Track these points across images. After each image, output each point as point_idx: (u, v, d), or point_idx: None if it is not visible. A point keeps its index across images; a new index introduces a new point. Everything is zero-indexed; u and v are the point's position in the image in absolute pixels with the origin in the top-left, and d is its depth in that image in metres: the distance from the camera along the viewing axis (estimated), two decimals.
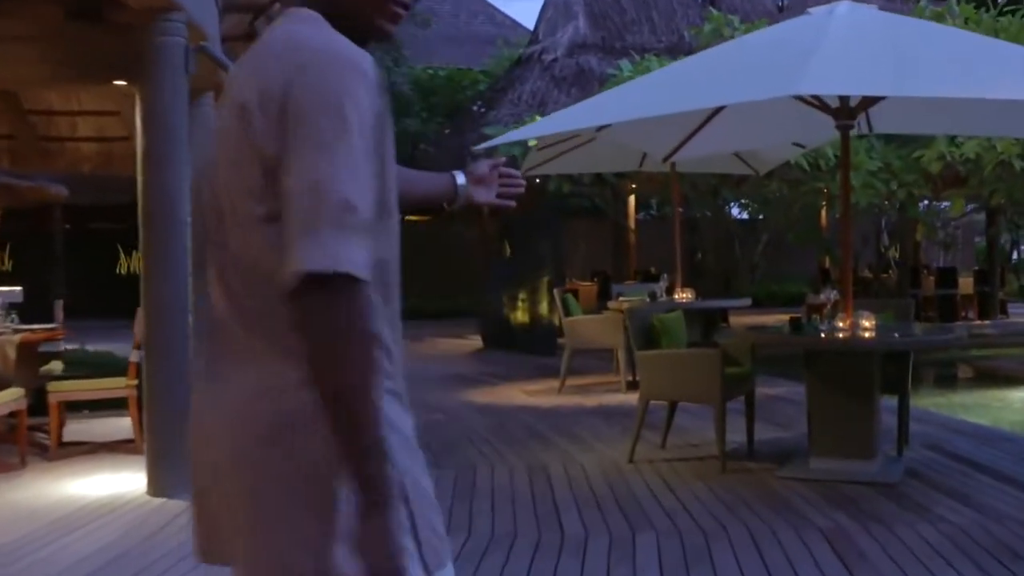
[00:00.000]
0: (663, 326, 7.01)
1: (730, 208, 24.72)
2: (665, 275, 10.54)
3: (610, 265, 21.03)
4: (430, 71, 23.67)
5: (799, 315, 6.55)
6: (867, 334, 6.15)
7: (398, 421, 1.74)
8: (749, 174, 12.11)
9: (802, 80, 5.20)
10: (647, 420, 7.44)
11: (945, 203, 20.36)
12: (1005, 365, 13.06)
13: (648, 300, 10.46)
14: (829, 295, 6.64)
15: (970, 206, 20.22)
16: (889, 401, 6.98)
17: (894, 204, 14.97)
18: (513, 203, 2.35)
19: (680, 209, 11.44)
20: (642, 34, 17.85)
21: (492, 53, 24.81)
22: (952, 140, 11.18)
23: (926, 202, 18.40)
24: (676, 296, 10.45)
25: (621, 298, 10.47)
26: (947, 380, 13.38)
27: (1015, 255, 21.08)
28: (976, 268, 20.25)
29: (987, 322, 18.78)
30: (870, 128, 7.99)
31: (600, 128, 7.42)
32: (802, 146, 10.69)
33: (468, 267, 19.83)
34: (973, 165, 11.37)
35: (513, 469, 6.93)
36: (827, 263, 20.84)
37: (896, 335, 6.40)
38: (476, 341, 16.30)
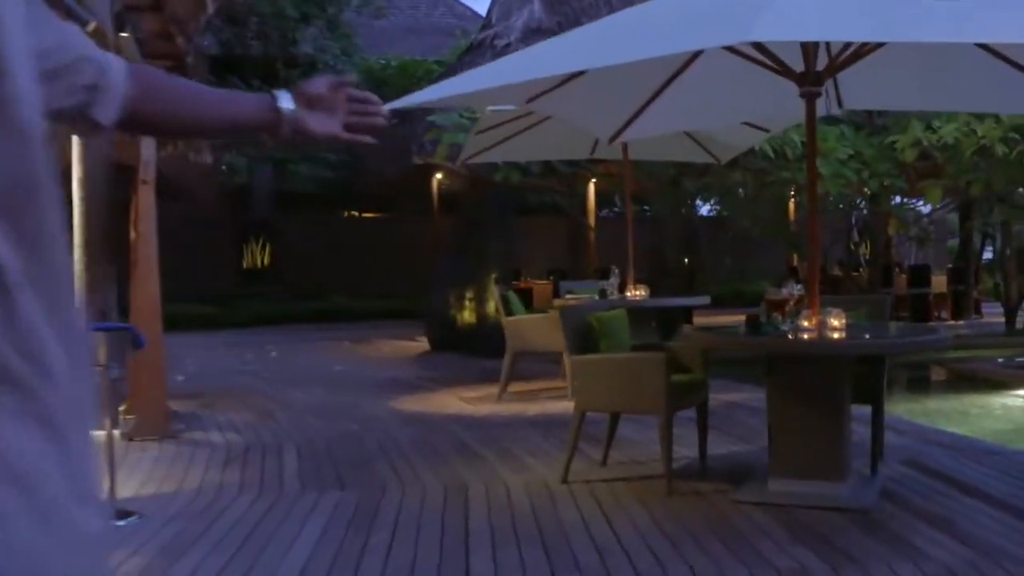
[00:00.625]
0: (602, 327, 6.07)
1: (696, 206, 23.96)
2: (616, 271, 9.61)
3: (569, 263, 20.13)
4: (383, 61, 22.72)
5: (757, 313, 5.61)
6: (836, 335, 5.23)
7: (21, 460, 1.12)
8: (711, 163, 11.25)
9: (756, 25, 4.26)
10: (590, 432, 6.54)
11: (918, 199, 19.59)
12: (982, 367, 12.22)
13: (597, 298, 9.55)
14: (792, 289, 5.72)
15: (945, 201, 19.48)
16: (861, 409, 6.09)
17: (866, 196, 14.13)
18: (368, 138, 1.82)
19: (644, 206, 10.56)
20: (600, 19, 16.89)
21: (452, 45, 23.94)
22: (928, 125, 10.32)
23: (899, 199, 17.64)
24: (628, 294, 9.55)
25: (569, 296, 9.52)
26: (920, 384, 12.54)
27: (986, 254, 20.23)
28: (950, 266, 19.46)
29: (961, 322, 18.02)
30: (840, 103, 7.09)
31: (532, 99, 6.46)
32: (766, 130, 9.82)
33: (423, 265, 18.88)
34: (951, 152, 10.51)
35: (427, 491, 5.96)
36: (795, 260, 20.03)
37: (868, 336, 5.48)
38: (424, 343, 15.33)
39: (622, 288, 9.64)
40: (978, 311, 19.05)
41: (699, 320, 18.04)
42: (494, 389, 9.75)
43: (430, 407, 9.31)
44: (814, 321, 5.36)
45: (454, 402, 9.60)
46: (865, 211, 15.03)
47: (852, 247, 17.86)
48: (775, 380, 5.59)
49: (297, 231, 23.50)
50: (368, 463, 6.83)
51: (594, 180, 17.47)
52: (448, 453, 7.09)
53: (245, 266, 23.75)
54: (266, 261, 23.67)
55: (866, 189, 11.85)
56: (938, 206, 14.76)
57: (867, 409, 6.14)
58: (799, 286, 5.85)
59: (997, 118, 9.71)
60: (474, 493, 5.87)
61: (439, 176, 16.72)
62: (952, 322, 18.05)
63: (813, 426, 5.48)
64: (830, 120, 12.20)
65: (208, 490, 6.19)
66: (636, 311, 9.37)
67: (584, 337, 6.04)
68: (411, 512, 5.49)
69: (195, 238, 23.45)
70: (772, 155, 11.24)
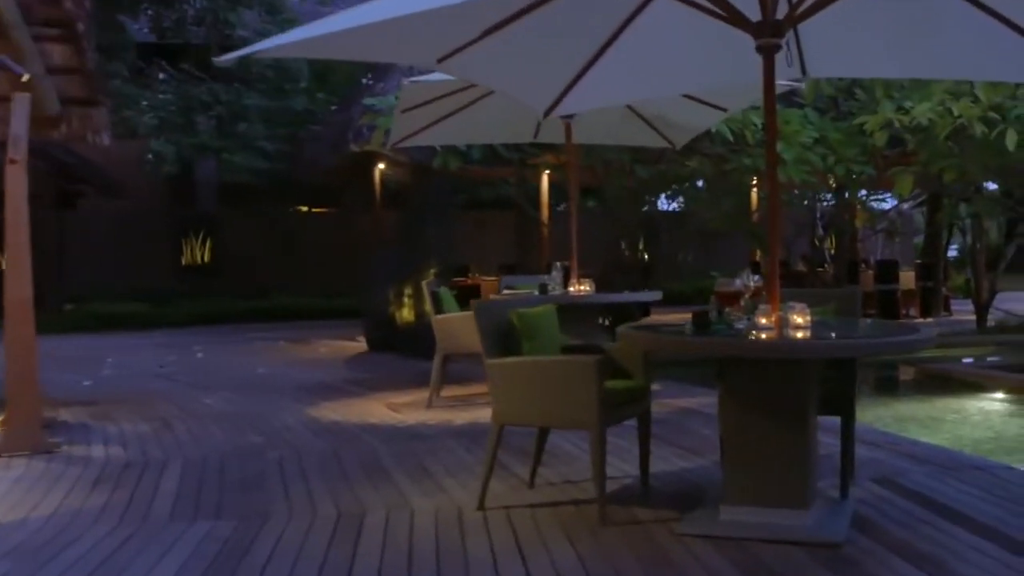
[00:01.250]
0: (526, 325, 5.15)
1: (655, 199, 23.12)
2: (559, 265, 8.68)
3: (523, 259, 19.23)
4: None
5: (708, 309, 4.70)
6: (800, 334, 4.34)
7: None
8: (665, 147, 10.36)
9: None
10: (521, 444, 5.66)
11: (885, 192, 18.82)
12: (956, 368, 11.40)
13: (536, 293, 8.63)
14: (747, 281, 4.81)
15: (915, 193, 18.69)
16: (828, 420, 5.22)
17: (831, 188, 13.31)
18: None
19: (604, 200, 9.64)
20: None
21: None
22: (900, 106, 9.45)
23: (865, 193, 16.83)
24: (572, 289, 8.64)
25: (508, 291, 8.59)
26: (888, 386, 11.73)
27: (950, 251, 19.47)
28: (918, 262, 18.70)
29: (930, 320, 17.26)
30: (803, 69, 6.18)
31: (444, 58, 5.50)
32: (723, 108, 8.95)
33: (368, 262, 17.90)
34: (924, 135, 9.65)
35: (315, 520, 5.02)
36: (758, 255, 19.21)
37: (837, 335, 4.58)
38: (364, 344, 14.35)
39: (566, 283, 8.72)
40: (947, 308, 18.31)
41: (657, 317, 17.21)
42: (427, 394, 8.81)
43: (350, 415, 8.36)
44: (774, 317, 4.47)
45: (378, 409, 8.65)
46: (830, 204, 14.16)
47: (816, 242, 17.03)
48: (728, 387, 4.69)
49: (240, 226, 22.41)
50: (259, 484, 5.88)
51: (548, 172, 16.58)
52: (355, 472, 6.14)
53: (184, 263, 22.61)
54: (206, 257, 22.53)
55: (832, 177, 10.96)
56: (908, 196, 13.91)
57: (835, 420, 5.28)
58: (756, 277, 4.94)
59: (975, 96, 8.87)
60: (371, 522, 4.93)
61: (382, 166, 15.73)
62: (921, 320, 17.28)
63: (773, 443, 4.58)
64: (793, 104, 11.37)
65: (60, 518, 5.21)
66: (582, 309, 8.47)
67: (504, 337, 5.11)
68: (290, 547, 4.55)
69: (131, 233, 22.33)
70: (731, 138, 10.36)
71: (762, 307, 4.51)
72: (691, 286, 22.16)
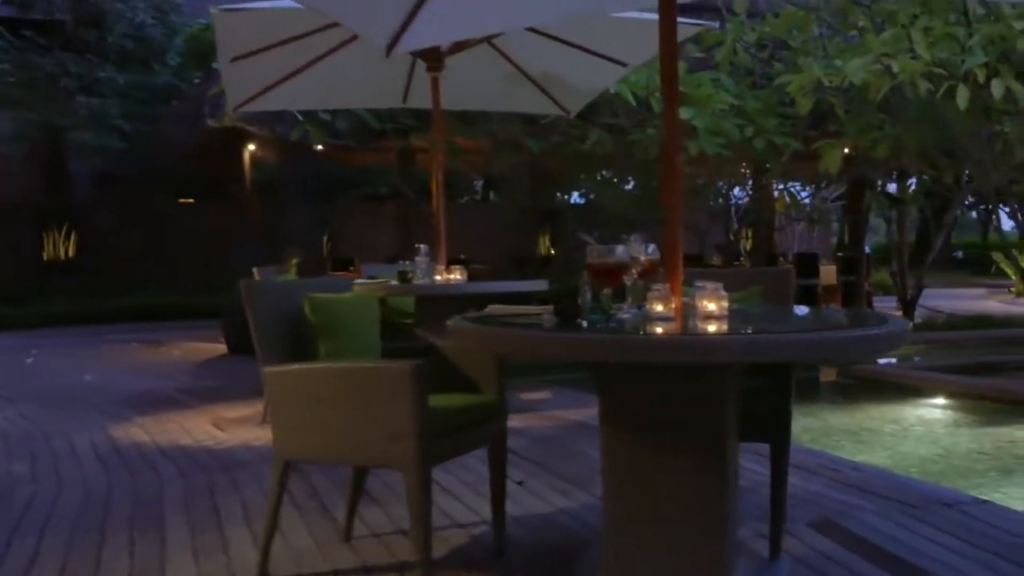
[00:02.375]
0: (324, 318, 3.59)
1: (564, 194, 21.75)
2: (424, 248, 7.13)
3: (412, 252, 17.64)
4: (203, 24, 19.89)
5: (576, 289, 3.21)
6: (714, 327, 2.84)
7: None
8: (559, 115, 8.93)
9: None
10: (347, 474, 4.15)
11: (802, 184, 17.63)
12: (888, 370, 10.10)
13: (395, 283, 7.08)
14: (636, 250, 3.30)
15: (836, 186, 17.52)
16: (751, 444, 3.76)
17: (744, 173, 11.97)
18: None
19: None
20: None
21: None
22: (831, 62, 8.05)
23: (782, 186, 15.61)
24: (438, 277, 7.11)
25: (359, 282, 6.99)
26: (811, 390, 10.42)
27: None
28: (839, 255, 17.49)
29: None
30: None
31: None
32: (622, 63, 7.53)
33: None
34: (857, 98, 8.29)
35: None
36: None
37: (749, 330, 3.10)
38: (224, 345, 12.64)
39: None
40: (870, 305, 17.14)
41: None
42: (263, 406, 7.20)
43: (161, 434, 6.70)
44: (674, 304, 2.99)
45: (201, 426, 7.00)
46: (746, 195, 12.84)
47: (731, 235, 15.75)
48: (609, 406, 3.18)
49: (108, 218, 20.40)
50: None
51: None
52: (116, 519, 4.51)
53: (46, 258, 20.51)
54: (71, 252, 20.46)
55: (745, 166, 9.56)
56: (829, 182, 12.62)
57: (756, 446, 3.82)
58: (652, 247, 3.45)
59: (913, 52, 7.52)
60: None
61: (252, 147, 14.04)
62: None
63: (674, 486, 3.08)
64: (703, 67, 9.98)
65: None
66: (450, 302, 6.92)
67: (292, 335, 3.55)
68: None
69: None
70: (633, 102, 8.90)
71: (657, 288, 3.02)
72: None
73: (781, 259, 16.61)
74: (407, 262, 7.26)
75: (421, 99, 8.37)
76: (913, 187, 12.98)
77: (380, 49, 5.25)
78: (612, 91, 8.78)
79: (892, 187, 16.07)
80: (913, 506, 4.41)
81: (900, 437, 7.38)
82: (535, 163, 13.20)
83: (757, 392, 3.50)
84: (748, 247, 15.27)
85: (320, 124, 10.28)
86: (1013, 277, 23.22)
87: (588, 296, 3.19)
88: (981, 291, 24.29)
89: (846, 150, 9.70)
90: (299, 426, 3.38)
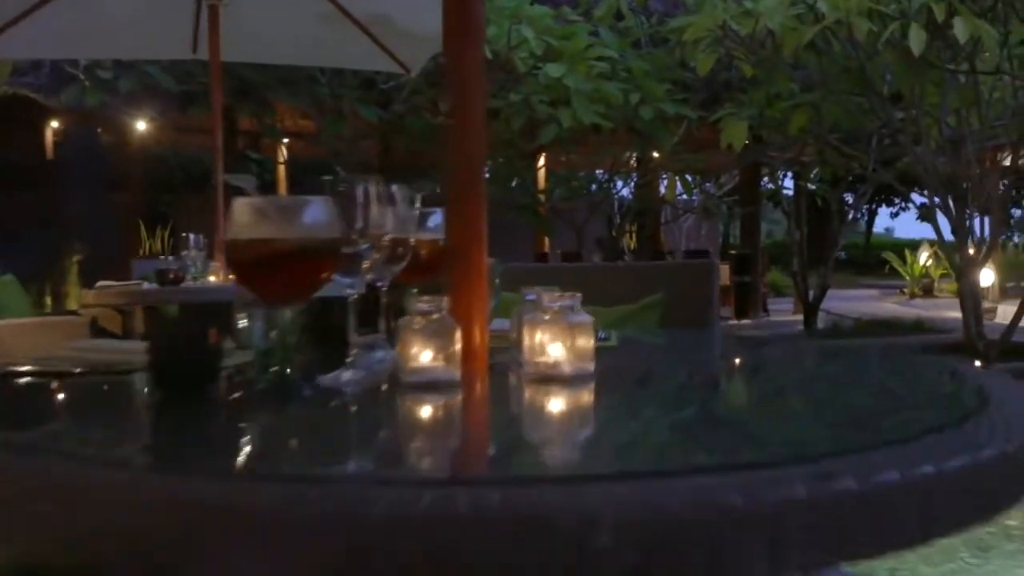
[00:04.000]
0: None
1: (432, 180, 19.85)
2: (196, 239, 5.16)
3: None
4: None
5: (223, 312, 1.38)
6: (556, 426, 1.00)
7: None
8: (398, 75, 7.08)
9: None
10: None
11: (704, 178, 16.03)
12: None
13: (151, 285, 5.10)
14: (404, 214, 1.44)
15: (728, 177, 15.97)
16: None
17: (629, 161, 10.25)
18: None
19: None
20: None
21: None
22: (741, 3, 6.28)
23: (665, 182, 13.98)
24: (213, 278, 5.15)
25: (98, 285, 5.01)
26: None
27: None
28: (732, 253, 15.93)
29: (747, 321, 14.54)
30: None
31: None
32: None
33: None
34: (770, 58, 6.54)
35: None
36: (546, 243, 16.13)
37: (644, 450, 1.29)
38: None
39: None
40: (765, 309, 15.66)
41: None
42: None
43: None
44: (467, 344, 1.13)
45: None
46: (631, 176, 11.10)
47: (613, 232, 14.01)
48: None
49: None
50: None
51: (285, 140, 12.98)
52: None
53: None
54: None
55: (636, 120, 7.76)
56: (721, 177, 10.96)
57: None
58: (435, 214, 1.59)
59: None
60: None
61: (55, 124, 11.82)
62: (736, 321, 14.55)
63: None
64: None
65: None
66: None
67: None
68: None
69: None
70: (489, 55, 7.04)
71: (426, 308, 1.16)
72: None
73: (668, 257, 15.02)
74: (171, 258, 5.28)
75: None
76: (816, 175, 11.38)
77: None
78: None
79: (788, 178, 14.62)
80: None
81: None
82: (388, 143, 11.27)
83: None
84: (631, 244, 13.59)
85: (99, 83, 8.18)
86: (907, 279, 22.12)
87: (257, 324, 1.33)
88: (873, 292, 23.15)
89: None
90: None
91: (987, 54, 5.80)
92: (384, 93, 8.43)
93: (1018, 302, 7.57)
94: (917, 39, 5.14)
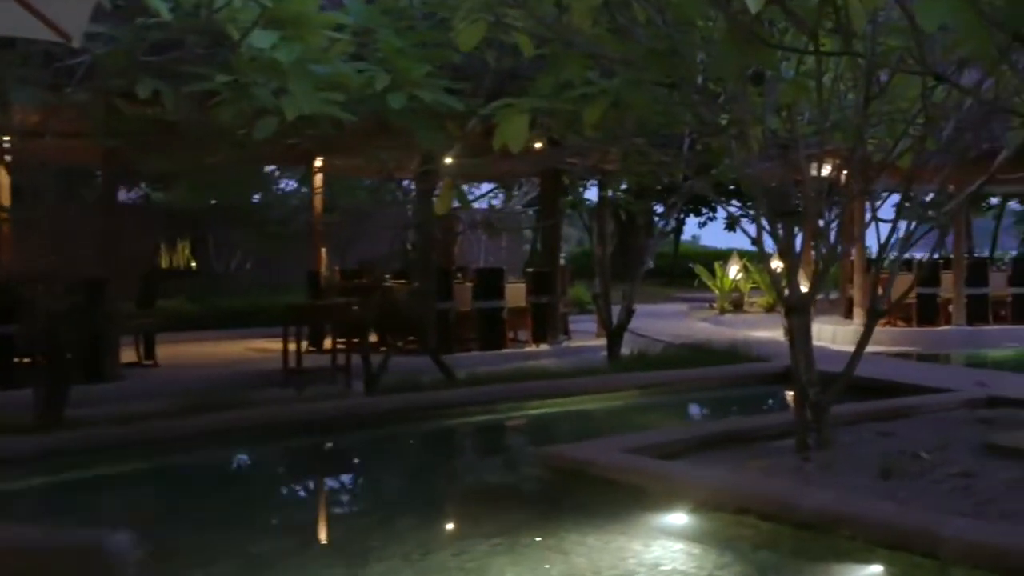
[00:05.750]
0: None
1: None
2: None
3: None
4: None
5: None
6: None
7: None
8: (56, 42, 5.14)
9: None
10: None
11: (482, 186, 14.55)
12: (589, 455, 6.75)
13: None
14: None
15: (527, 186, 14.45)
16: None
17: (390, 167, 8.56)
18: None
19: None
20: None
21: None
22: None
23: (473, 189, 12.34)
24: None
25: None
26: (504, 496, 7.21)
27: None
28: (529, 271, 14.33)
29: (545, 347, 13.01)
30: None
31: None
32: None
33: None
34: (560, 26, 4.87)
35: None
36: (323, 263, 14.26)
37: None
38: None
39: None
40: (566, 331, 14.15)
41: (170, 350, 11.87)
42: None
43: None
44: None
45: None
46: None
47: (409, 247, 12.27)
48: None
49: None
50: None
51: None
52: None
53: None
54: None
55: (389, 112, 5.97)
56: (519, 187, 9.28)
57: None
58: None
59: None
60: None
61: None
62: (534, 347, 13.01)
63: None
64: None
65: None
66: None
67: None
68: None
69: None
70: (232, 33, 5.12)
71: None
72: (250, 303, 16.76)
73: (459, 275, 13.33)
74: None
75: None
76: (624, 186, 9.93)
77: None
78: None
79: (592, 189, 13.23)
80: None
81: None
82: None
83: None
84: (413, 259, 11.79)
85: None
86: (716, 292, 21.15)
87: None
88: (681, 307, 22.08)
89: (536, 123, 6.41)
90: None
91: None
92: (61, 72, 6.40)
93: (831, 316, 6.23)
94: None
